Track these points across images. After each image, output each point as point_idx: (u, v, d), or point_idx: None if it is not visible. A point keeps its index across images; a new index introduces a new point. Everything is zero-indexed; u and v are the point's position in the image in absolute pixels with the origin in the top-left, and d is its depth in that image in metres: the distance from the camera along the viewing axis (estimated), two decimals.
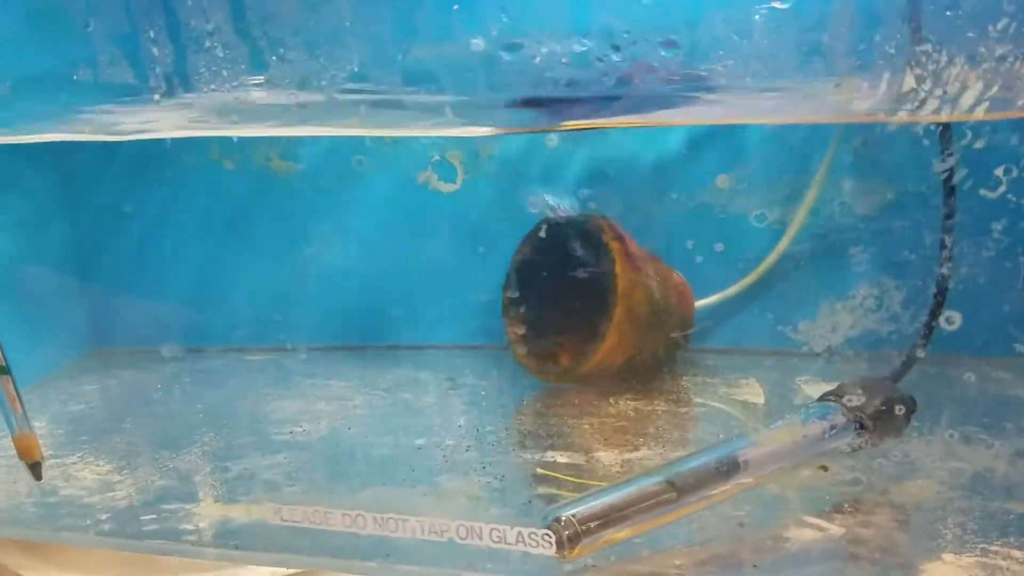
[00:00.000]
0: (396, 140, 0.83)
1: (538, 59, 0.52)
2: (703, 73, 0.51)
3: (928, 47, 0.45)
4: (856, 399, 0.55)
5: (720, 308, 0.80)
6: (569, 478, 0.59)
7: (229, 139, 0.84)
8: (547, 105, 0.56)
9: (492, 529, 0.46)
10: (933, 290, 0.60)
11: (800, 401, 0.69)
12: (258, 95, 0.56)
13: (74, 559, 0.58)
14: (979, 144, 0.53)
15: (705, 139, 0.77)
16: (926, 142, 0.56)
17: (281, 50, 0.54)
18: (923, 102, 0.47)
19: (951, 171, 0.57)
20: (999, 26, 0.44)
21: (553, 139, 0.79)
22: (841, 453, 0.56)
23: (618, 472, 0.59)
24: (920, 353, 0.60)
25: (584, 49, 0.51)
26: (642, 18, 0.50)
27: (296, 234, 0.87)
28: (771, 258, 0.77)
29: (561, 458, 0.62)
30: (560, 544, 0.45)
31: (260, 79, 0.55)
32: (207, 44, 0.54)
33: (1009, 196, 0.54)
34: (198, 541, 0.54)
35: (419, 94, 0.55)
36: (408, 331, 0.89)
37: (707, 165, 0.77)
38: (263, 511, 0.54)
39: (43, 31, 0.62)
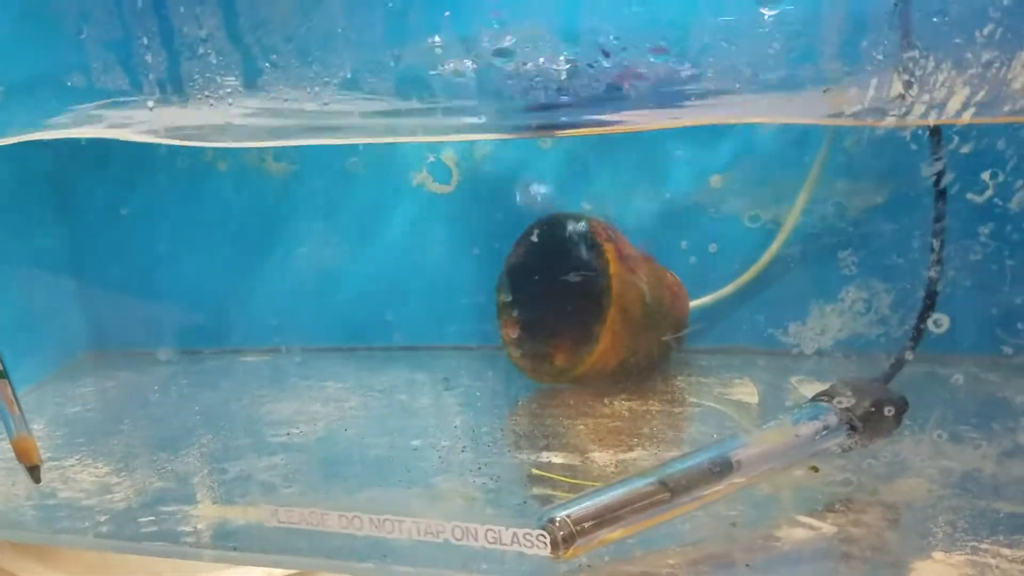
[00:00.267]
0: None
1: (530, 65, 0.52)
2: (690, 74, 0.52)
3: (915, 53, 0.46)
4: (846, 400, 0.56)
5: (714, 308, 0.80)
6: (563, 479, 0.59)
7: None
8: (548, 109, 0.57)
9: (488, 530, 0.47)
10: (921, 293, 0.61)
11: (794, 401, 0.69)
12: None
13: (72, 561, 0.58)
14: (965, 149, 0.53)
15: (699, 139, 0.77)
16: (913, 147, 0.56)
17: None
18: (911, 107, 0.47)
19: (940, 174, 0.57)
20: (985, 31, 0.45)
21: (547, 141, 0.80)
22: (832, 454, 0.56)
23: (613, 473, 0.59)
24: (908, 356, 0.61)
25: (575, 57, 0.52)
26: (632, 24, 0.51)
27: (291, 236, 0.87)
28: (765, 258, 0.78)
29: (556, 459, 0.62)
30: (555, 544, 0.45)
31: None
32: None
33: (996, 200, 0.54)
34: (196, 543, 0.54)
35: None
36: (403, 332, 0.89)
37: (701, 165, 0.78)
38: (260, 512, 0.54)
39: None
